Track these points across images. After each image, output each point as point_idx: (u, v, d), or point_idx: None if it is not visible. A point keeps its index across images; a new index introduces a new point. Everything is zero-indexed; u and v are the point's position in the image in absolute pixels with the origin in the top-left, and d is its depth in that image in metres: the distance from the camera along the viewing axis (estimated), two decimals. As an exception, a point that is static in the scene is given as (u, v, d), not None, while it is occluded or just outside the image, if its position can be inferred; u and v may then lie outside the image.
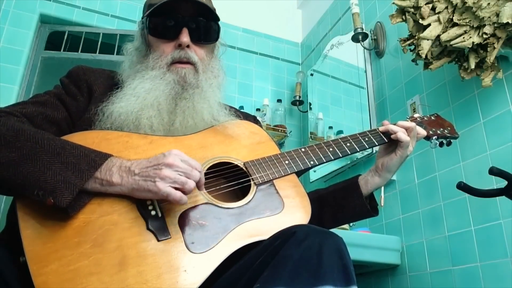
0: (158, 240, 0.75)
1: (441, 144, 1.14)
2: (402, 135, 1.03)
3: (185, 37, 0.99)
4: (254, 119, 1.21)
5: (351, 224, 1.92)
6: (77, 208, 0.74)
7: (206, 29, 1.03)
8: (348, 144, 1.04)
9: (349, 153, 1.03)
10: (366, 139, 1.06)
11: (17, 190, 0.75)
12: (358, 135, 1.07)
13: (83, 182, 0.74)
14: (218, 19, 1.05)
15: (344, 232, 1.68)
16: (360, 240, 1.64)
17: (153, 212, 0.78)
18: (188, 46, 1.00)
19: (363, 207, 1.06)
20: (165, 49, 1.01)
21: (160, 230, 0.76)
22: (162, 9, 1.00)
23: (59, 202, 0.71)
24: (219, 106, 1.02)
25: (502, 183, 1.18)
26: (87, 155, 0.78)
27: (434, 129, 1.14)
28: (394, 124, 1.07)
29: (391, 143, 1.07)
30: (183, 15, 1.00)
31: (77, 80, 1.01)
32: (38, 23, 2.35)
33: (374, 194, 1.12)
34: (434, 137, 1.12)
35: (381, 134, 1.07)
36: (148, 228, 0.76)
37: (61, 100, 0.97)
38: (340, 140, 1.04)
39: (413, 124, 1.06)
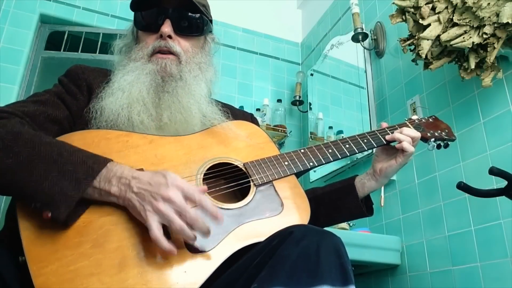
0: (158, 241, 0.75)
1: (438, 146, 1.15)
2: (408, 145, 1.03)
3: (166, 27, 0.99)
4: (251, 117, 1.21)
5: (351, 224, 1.93)
6: (75, 218, 0.73)
7: (190, 20, 1.03)
8: (347, 146, 1.04)
9: (348, 154, 1.04)
10: (365, 140, 1.06)
11: (15, 196, 0.75)
12: (357, 137, 1.07)
13: (80, 194, 0.72)
14: (205, 13, 1.05)
15: (344, 232, 1.68)
16: (360, 240, 1.64)
17: (153, 213, 0.78)
18: (170, 37, 1.00)
19: (358, 209, 1.08)
20: (148, 41, 1.02)
21: (160, 231, 0.76)
22: (146, 2, 1.00)
23: (56, 217, 0.69)
24: (206, 101, 1.01)
25: (502, 183, 1.18)
26: (84, 162, 0.75)
27: (431, 131, 1.14)
28: (400, 132, 1.06)
29: (389, 148, 1.08)
30: (166, 7, 1.00)
31: (77, 79, 1.00)
32: (38, 23, 2.35)
33: (370, 194, 1.13)
34: (431, 139, 1.13)
35: (380, 136, 1.07)
36: (148, 229, 0.76)
37: (61, 99, 0.96)
38: (339, 142, 1.05)
39: (418, 134, 1.07)
